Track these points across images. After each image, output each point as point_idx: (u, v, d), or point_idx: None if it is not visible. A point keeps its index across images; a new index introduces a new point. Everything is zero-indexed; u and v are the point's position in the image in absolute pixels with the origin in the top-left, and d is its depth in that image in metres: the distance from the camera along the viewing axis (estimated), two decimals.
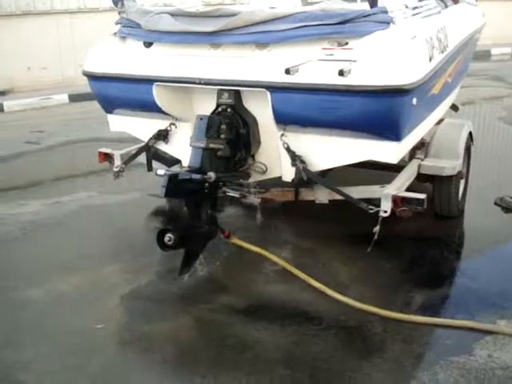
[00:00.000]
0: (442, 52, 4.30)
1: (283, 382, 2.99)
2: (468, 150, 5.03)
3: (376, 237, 3.78)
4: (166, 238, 3.66)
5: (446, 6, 5.38)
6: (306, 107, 3.69)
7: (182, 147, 4.50)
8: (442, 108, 5.02)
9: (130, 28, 4.52)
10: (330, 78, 3.53)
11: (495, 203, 5.22)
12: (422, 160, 4.54)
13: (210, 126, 3.91)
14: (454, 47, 4.70)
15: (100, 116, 8.36)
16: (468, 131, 4.90)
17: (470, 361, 3.10)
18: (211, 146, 3.89)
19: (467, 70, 6.15)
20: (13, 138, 7.99)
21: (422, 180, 4.62)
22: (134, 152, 4.89)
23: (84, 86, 10.06)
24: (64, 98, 10.17)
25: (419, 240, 4.59)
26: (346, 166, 4.04)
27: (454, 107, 6.24)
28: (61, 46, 10.61)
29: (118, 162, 4.92)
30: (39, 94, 10.07)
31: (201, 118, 3.94)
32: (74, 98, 10.14)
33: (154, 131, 4.56)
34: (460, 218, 4.96)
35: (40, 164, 6.99)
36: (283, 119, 3.85)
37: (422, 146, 4.66)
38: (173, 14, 4.26)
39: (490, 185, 5.67)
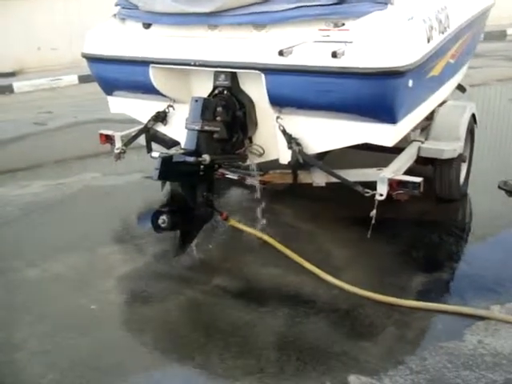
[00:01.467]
0: (443, 33, 4.21)
1: (270, 364, 3.00)
2: (471, 132, 4.96)
3: (373, 221, 3.75)
4: (160, 220, 3.67)
5: None
6: (299, 89, 3.65)
7: (181, 129, 4.47)
8: (445, 90, 4.93)
9: (128, 10, 4.51)
10: (324, 60, 3.48)
11: (499, 187, 5.14)
12: (423, 143, 4.48)
13: (206, 108, 3.89)
14: (457, 28, 4.60)
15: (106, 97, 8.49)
16: (471, 113, 4.82)
17: (460, 346, 3.07)
18: (206, 128, 3.87)
19: (473, 52, 6.03)
20: (21, 119, 8.06)
21: (423, 163, 4.56)
22: (133, 134, 4.90)
23: None
24: (74, 78, 10.21)
25: (419, 223, 4.56)
26: (344, 148, 4.01)
27: (462, 88, 6.13)
28: (70, 26, 10.61)
29: (118, 143, 4.93)
30: (49, 75, 10.13)
31: (196, 100, 3.91)
32: (84, 79, 10.14)
33: (153, 113, 4.55)
34: (462, 201, 4.91)
35: (45, 145, 7.04)
36: (278, 101, 3.82)
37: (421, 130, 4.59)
38: None
39: (495, 168, 5.58)
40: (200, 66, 3.97)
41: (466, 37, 5.05)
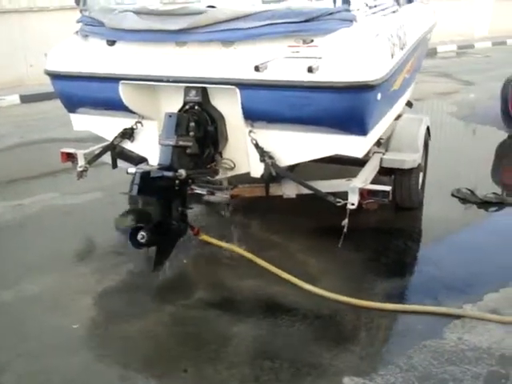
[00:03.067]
0: (402, 49, 4.45)
1: (265, 372, 3.05)
2: (426, 144, 5.21)
3: (345, 229, 3.89)
4: (139, 236, 3.69)
5: (399, 5, 5.54)
6: (275, 103, 3.76)
7: (149, 145, 4.52)
8: (401, 103, 5.18)
9: (92, 26, 4.49)
10: (299, 75, 3.61)
11: (452, 194, 5.43)
12: (384, 154, 4.67)
13: (179, 123, 3.94)
14: (412, 45, 4.86)
15: (53, 117, 8.41)
16: (426, 126, 5.08)
17: (442, 344, 3.24)
18: (180, 143, 3.91)
19: (420, 68, 6.35)
20: None
21: (383, 173, 4.76)
22: (98, 151, 4.88)
23: (36, 86, 10.06)
24: (15, 98, 9.95)
25: (383, 231, 4.75)
26: (312, 161, 4.15)
27: (409, 103, 6.42)
28: (11, 45, 10.36)
29: (81, 161, 4.89)
30: None
31: (170, 116, 3.96)
32: (26, 99, 9.94)
33: (119, 130, 4.55)
34: (420, 209, 5.14)
35: None
36: (252, 116, 3.91)
37: (379, 143, 4.79)
38: (137, 12, 4.26)
39: (447, 177, 5.87)
40: (173, 82, 4.01)
41: (417, 53, 5.32)
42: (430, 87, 10.23)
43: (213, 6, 4.20)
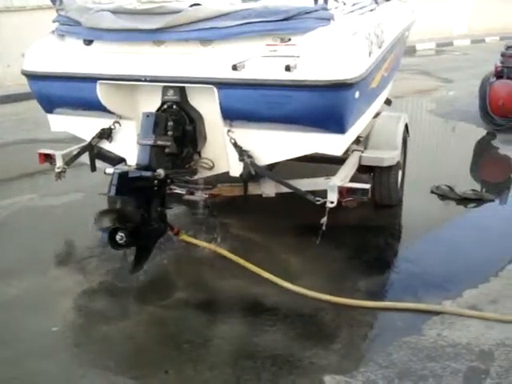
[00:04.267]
0: (380, 47, 4.46)
1: (246, 372, 3.05)
2: (404, 141, 5.24)
3: (324, 227, 3.90)
4: (118, 237, 3.65)
5: (377, 3, 5.56)
6: (253, 102, 3.75)
7: (127, 145, 4.49)
8: (379, 101, 5.20)
9: (68, 26, 4.45)
10: (277, 74, 3.61)
11: (432, 191, 5.47)
12: (363, 152, 4.69)
13: (157, 123, 3.91)
14: (390, 43, 4.88)
15: (32, 117, 8.32)
16: (404, 123, 5.11)
17: (421, 340, 3.26)
18: (159, 143, 3.89)
19: (399, 65, 6.38)
20: None
21: (362, 171, 4.78)
22: (76, 152, 4.84)
23: (13, 86, 9.93)
24: None
25: (363, 229, 4.77)
26: (291, 159, 4.15)
27: (387, 101, 6.44)
28: None
29: (59, 162, 4.84)
30: None
31: (147, 116, 3.93)
32: (3, 100, 9.82)
33: (97, 130, 4.51)
34: (399, 206, 5.17)
35: None
36: (230, 115, 3.90)
37: (357, 141, 4.79)
38: (114, 12, 4.22)
39: (426, 174, 5.91)
40: (150, 81, 3.99)
41: (395, 51, 5.35)
42: (409, 85, 10.30)
43: (197, 4, 4.17)
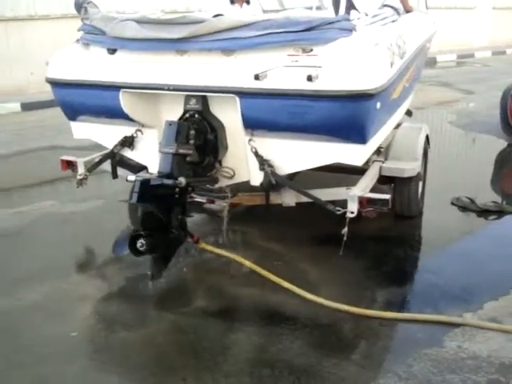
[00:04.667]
0: (401, 58, 4.46)
1: (264, 381, 3.04)
2: (425, 152, 5.22)
3: (345, 238, 3.90)
4: (139, 244, 3.68)
5: (399, 14, 5.57)
6: (275, 112, 3.77)
7: (149, 153, 4.53)
8: (401, 112, 5.20)
9: (93, 35, 4.50)
10: (299, 84, 3.63)
11: (452, 203, 5.44)
12: (383, 162, 4.68)
13: (179, 131, 3.94)
14: (411, 54, 4.88)
15: (54, 124, 8.44)
16: (425, 134, 5.10)
17: (442, 352, 3.23)
18: (180, 151, 3.92)
19: (420, 77, 6.37)
20: None
21: (383, 182, 4.77)
22: (98, 159, 4.89)
23: (36, 94, 10.10)
24: (16, 106, 9.99)
25: (382, 239, 4.75)
26: (311, 169, 4.16)
27: (408, 112, 6.44)
28: (11, 53, 10.41)
29: (81, 169, 4.90)
30: None
31: (170, 124, 3.96)
32: (27, 107, 9.98)
33: (120, 138, 4.55)
34: (419, 217, 5.14)
35: None
36: (252, 124, 3.92)
37: (378, 152, 4.79)
38: (138, 21, 4.27)
39: (446, 186, 5.88)
40: (173, 90, 4.03)
41: (416, 62, 5.34)
42: (429, 96, 10.28)
43: (220, 15, 4.21)
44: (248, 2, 5.86)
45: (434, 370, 3.08)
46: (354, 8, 5.30)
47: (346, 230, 3.90)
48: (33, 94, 10.32)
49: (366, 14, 4.53)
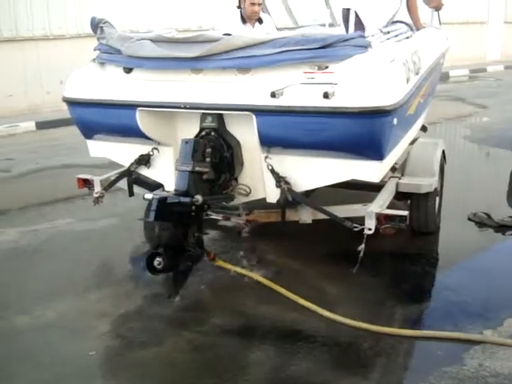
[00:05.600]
0: (417, 74, 4.46)
1: None
2: (442, 167, 5.20)
3: (362, 254, 3.88)
4: (156, 262, 3.68)
5: (413, 31, 5.59)
6: (291, 129, 3.77)
7: (165, 171, 4.54)
8: (416, 128, 5.19)
9: (109, 54, 4.55)
10: (315, 101, 3.63)
11: (469, 219, 5.40)
12: (400, 178, 4.67)
13: (196, 149, 3.95)
14: (426, 70, 4.88)
15: (68, 143, 8.50)
16: (441, 149, 5.08)
17: (463, 370, 3.19)
18: (197, 169, 3.92)
19: (435, 92, 6.36)
20: None
21: (399, 198, 4.75)
22: (114, 177, 4.91)
23: (51, 113, 10.22)
24: (31, 125, 10.08)
25: (399, 256, 4.73)
26: (327, 186, 4.15)
27: (423, 128, 6.42)
28: (26, 72, 10.54)
29: (97, 187, 4.91)
30: (5, 122, 9.96)
31: (186, 142, 3.98)
32: (42, 126, 10.07)
33: (136, 156, 4.57)
34: (436, 233, 5.11)
35: (12, 192, 6.90)
36: (268, 141, 3.93)
37: (393, 169, 4.77)
38: (154, 40, 4.31)
39: (463, 201, 5.85)
40: (189, 108, 4.05)
41: (431, 78, 5.34)
42: (443, 111, 10.25)
43: (228, 34, 4.24)
44: (261, 22, 5.88)
45: None
46: (362, 24, 5.34)
47: (362, 246, 3.88)
48: (48, 113, 10.42)
49: (381, 31, 4.53)
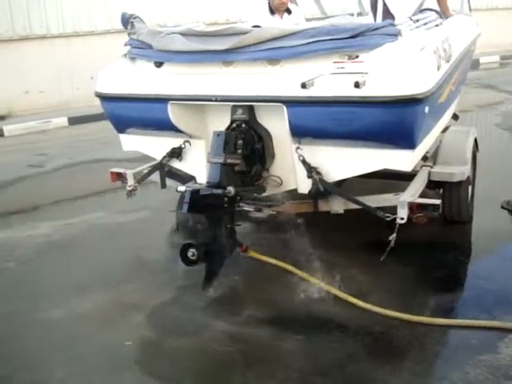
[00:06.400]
0: (448, 61, 4.42)
1: None
2: (474, 156, 5.15)
3: (392, 244, 3.87)
4: (190, 253, 3.74)
5: (442, 18, 5.53)
6: (322, 120, 3.78)
7: (197, 164, 4.59)
8: (448, 116, 5.14)
9: (140, 49, 4.60)
10: (346, 90, 3.63)
11: (502, 207, 5.34)
12: (432, 167, 4.63)
13: (227, 141, 3.99)
14: (457, 57, 4.83)
15: (101, 137, 8.63)
16: (473, 137, 5.03)
17: (498, 359, 3.18)
18: (229, 161, 3.96)
19: (466, 80, 6.29)
20: (15, 162, 8.04)
21: (431, 187, 4.72)
22: (146, 171, 4.97)
23: (82, 108, 10.37)
24: (63, 120, 10.24)
25: (431, 245, 4.69)
26: (358, 176, 4.15)
27: (455, 116, 6.35)
28: (58, 69, 10.70)
29: (130, 181, 4.98)
30: (38, 118, 10.14)
31: (218, 135, 4.01)
32: (74, 121, 10.22)
33: (168, 149, 4.62)
34: (469, 222, 5.06)
35: (46, 186, 7.03)
36: (299, 132, 3.94)
37: (425, 158, 4.74)
38: (184, 34, 4.34)
39: (496, 189, 5.77)
40: (220, 101, 4.08)
41: (462, 65, 5.28)
42: (474, 99, 10.09)
43: (258, 26, 4.25)
44: (289, 12, 5.87)
45: (491, 377, 3.03)
46: (390, 12, 5.30)
47: (394, 236, 3.88)
48: (79, 109, 10.57)
49: (411, 19, 4.50)
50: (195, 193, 3.78)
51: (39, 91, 10.60)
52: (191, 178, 4.81)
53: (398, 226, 3.90)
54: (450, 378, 3.05)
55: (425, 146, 4.25)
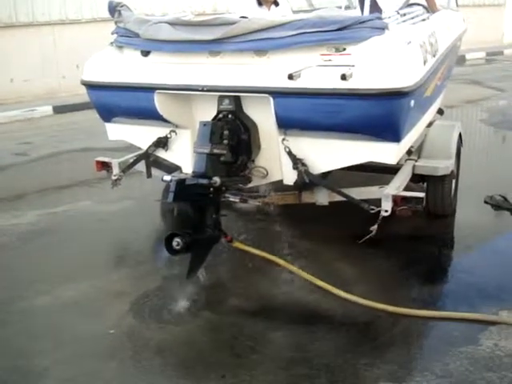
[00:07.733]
0: (434, 56, 4.45)
1: (301, 379, 3.07)
2: (458, 150, 5.19)
3: (374, 233, 3.91)
4: (174, 243, 3.73)
5: (429, 13, 5.56)
6: (308, 111, 3.80)
7: (182, 154, 4.59)
8: (433, 110, 5.18)
9: (127, 37, 4.59)
10: (333, 83, 3.65)
11: (485, 201, 5.39)
12: (416, 161, 4.67)
13: (213, 131, 3.99)
14: (443, 52, 4.87)
15: (86, 126, 8.57)
16: (458, 132, 5.07)
17: (478, 350, 3.22)
18: (215, 151, 3.97)
19: (451, 75, 6.33)
20: (0, 150, 7.96)
21: (416, 180, 4.76)
22: (132, 160, 4.96)
23: (68, 97, 10.28)
24: (48, 109, 10.13)
25: (415, 239, 4.73)
26: (343, 168, 4.17)
27: (440, 111, 6.39)
28: (43, 57, 10.59)
29: (116, 170, 4.97)
30: (23, 106, 10.04)
31: (204, 124, 4.02)
32: (59, 110, 10.13)
33: (154, 139, 4.62)
34: (452, 216, 5.11)
35: (31, 175, 6.97)
36: (285, 124, 3.95)
37: (409, 152, 4.77)
38: (171, 23, 4.34)
39: (479, 184, 5.83)
40: (207, 91, 4.07)
41: (448, 60, 5.32)
42: (459, 94, 10.17)
43: (245, 17, 4.25)
44: (276, 4, 5.87)
45: (471, 368, 3.07)
46: (377, 6, 5.31)
47: (375, 226, 3.91)
48: (64, 98, 10.49)
49: (398, 12, 4.52)
50: (181, 182, 3.78)
51: (24, 79, 10.48)
52: (177, 168, 4.81)
53: (381, 218, 3.93)
54: (432, 370, 3.07)
55: (410, 139, 4.28)
